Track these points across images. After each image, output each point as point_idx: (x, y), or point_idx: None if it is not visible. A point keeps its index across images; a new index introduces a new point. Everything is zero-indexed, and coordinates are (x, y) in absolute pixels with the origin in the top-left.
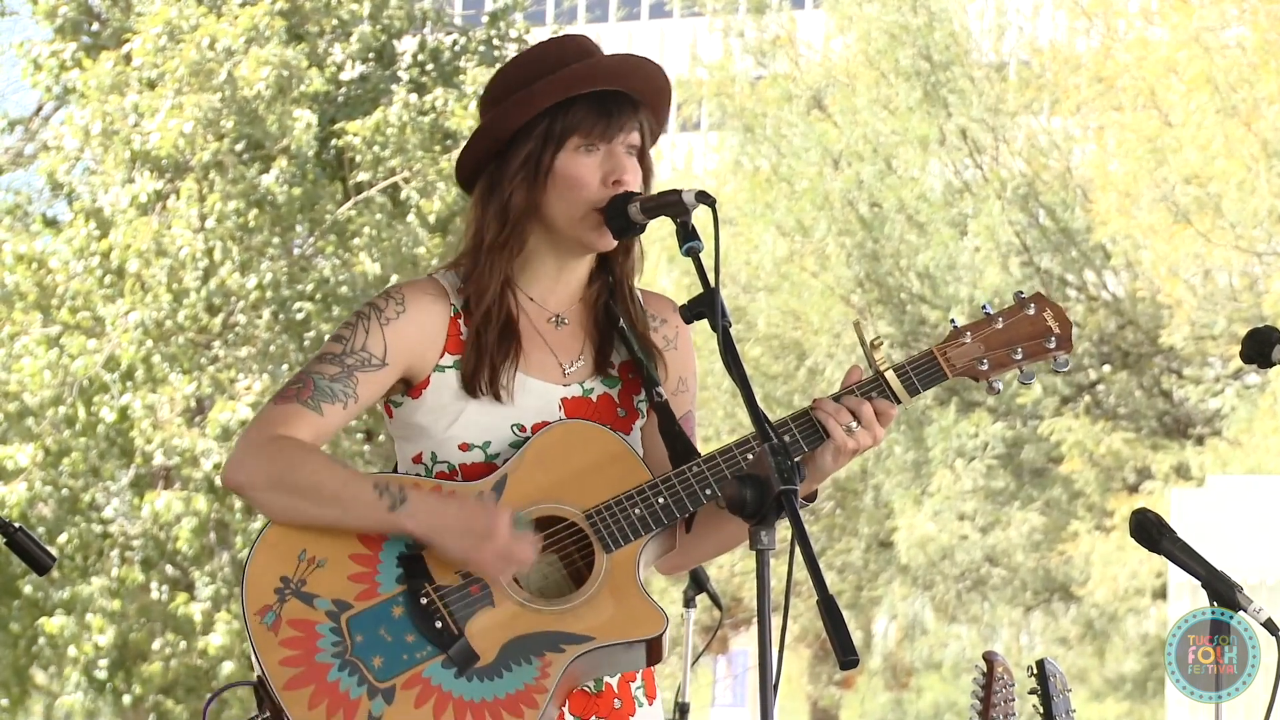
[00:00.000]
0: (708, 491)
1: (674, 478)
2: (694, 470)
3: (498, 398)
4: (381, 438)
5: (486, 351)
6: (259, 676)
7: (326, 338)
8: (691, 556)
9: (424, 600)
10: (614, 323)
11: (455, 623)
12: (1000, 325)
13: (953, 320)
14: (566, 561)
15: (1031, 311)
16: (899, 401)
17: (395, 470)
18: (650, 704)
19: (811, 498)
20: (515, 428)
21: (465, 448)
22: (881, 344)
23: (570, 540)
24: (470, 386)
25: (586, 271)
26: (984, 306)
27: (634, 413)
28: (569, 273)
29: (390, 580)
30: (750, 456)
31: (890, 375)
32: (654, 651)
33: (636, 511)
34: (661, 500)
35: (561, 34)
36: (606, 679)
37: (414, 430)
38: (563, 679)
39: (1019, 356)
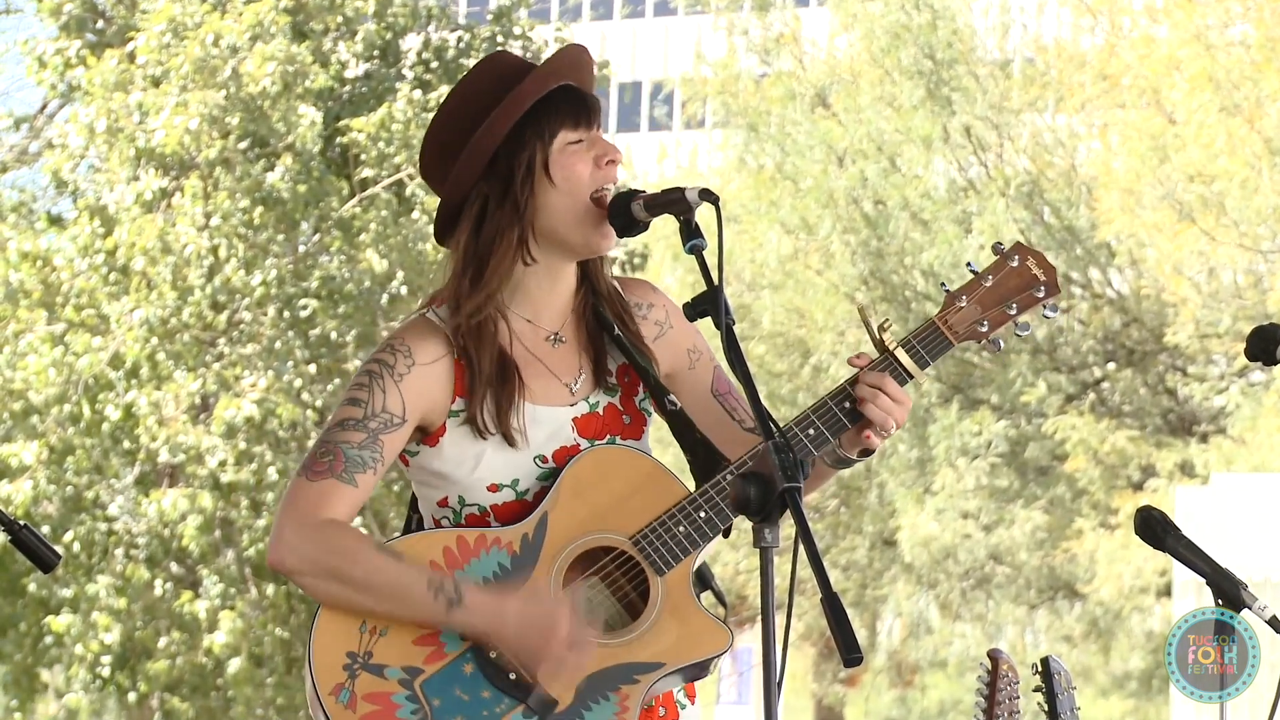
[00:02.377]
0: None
1: (711, 490)
2: (729, 479)
3: (509, 440)
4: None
5: (488, 391)
6: None
7: (341, 399)
8: None
9: (493, 654)
10: (607, 330)
11: (528, 671)
12: (990, 283)
13: (944, 285)
14: (614, 588)
15: (1016, 263)
16: (911, 378)
17: (415, 506)
18: (692, 703)
19: (869, 451)
20: (538, 459)
21: (494, 488)
22: (890, 325)
23: (616, 569)
24: (477, 430)
25: (575, 281)
26: (968, 264)
27: (639, 416)
28: (562, 283)
29: (455, 639)
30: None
31: (900, 353)
32: (710, 665)
33: (681, 529)
34: (703, 514)
35: (491, 53)
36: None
37: (436, 477)
38: (642, 708)
39: (1013, 311)
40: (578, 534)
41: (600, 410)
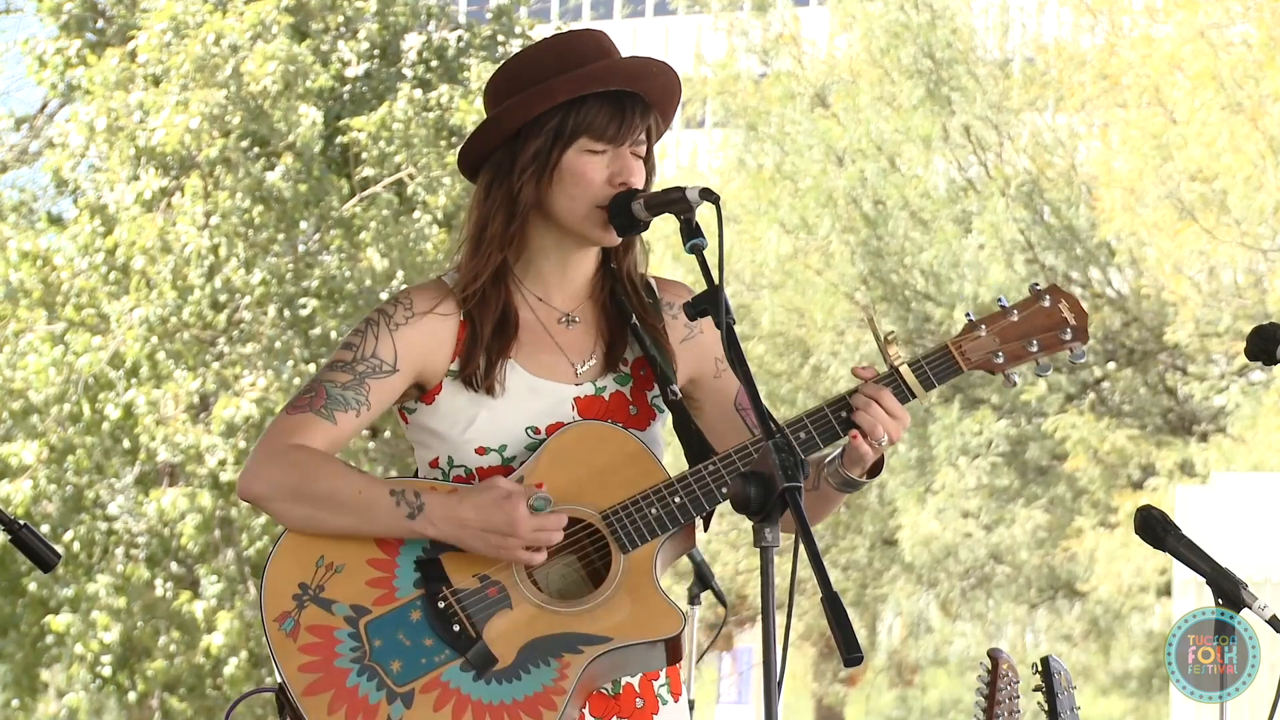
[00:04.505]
0: (723, 490)
1: (690, 477)
2: (710, 469)
3: (490, 392)
4: (387, 434)
5: (481, 345)
6: (280, 683)
7: (337, 345)
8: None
9: (442, 604)
10: (625, 319)
11: (473, 625)
12: (1015, 318)
13: (968, 314)
14: (585, 562)
15: (1047, 303)
16: (914, 396)
17: (416, 475)
18: (676, 701)
19: (876, 471)
20: (530, 430)
21: (481, 451)
22: (895, 339)
23: (589, 541)
24: (465, 379)
25: (593, 266)
26: (999, 299)
27: (647, 410)
28: (574, 269)
29: (408, 584)
30: None
31: (905, 370)
32: (672, 650)
33: (653, 511)
34: (678, 500)
35: (578, 28)
36: (626, 679)
37: (430, 435)
38: (581, 680)
39: (1034, 349)
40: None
41: (606, 396)
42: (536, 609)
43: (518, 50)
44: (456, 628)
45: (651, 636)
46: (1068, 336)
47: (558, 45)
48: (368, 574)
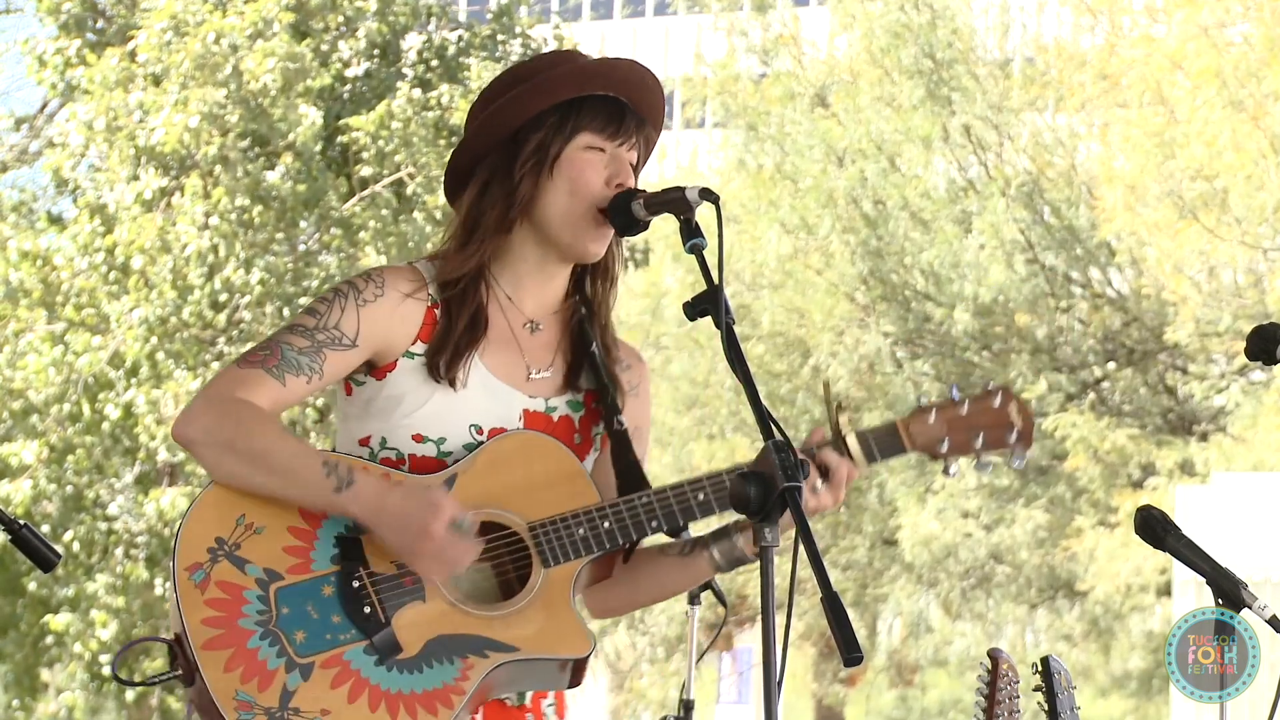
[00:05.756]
0: (654, 524)
1: (622, 505)
2: (643, 500)
3: (452, 384)
4: (333, 417)
5: (452, 337)
6: (177, 634)
7: (302, 308)
8: (628, 600)
9: (356, 584)
10: (586, 345)
11: (384, 611)
12: (965, 410)
13: (919, 398)
14: (498, 570)
15: (997, 403)
16: (855, 466)
17: (333, 450)
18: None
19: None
20: (473, 428)
21: (419, 439)
22: (846, 409)
23: (506, 550)
24: (430, 367)
25: (565, 281)
26: (952, 388)
27: (589, 441)
28: (548, 278)
29: (325, 558)
30: (701, 496)
31: (851, 440)
32: (577, 673)
33: (580, 532)
34: (607, 525)
35: (554, 49)
36: (530, 693)
37: (369, 411)
38: (481, 684)
39: (978, 444)
40: (479, 503)
41: (555, 417)
42: (449, 606)
43: (516, 55)
44: (367, 609)
45: (558, 654)
46: (1011, 439)
47: (548, 54)
48: (286, 541)
